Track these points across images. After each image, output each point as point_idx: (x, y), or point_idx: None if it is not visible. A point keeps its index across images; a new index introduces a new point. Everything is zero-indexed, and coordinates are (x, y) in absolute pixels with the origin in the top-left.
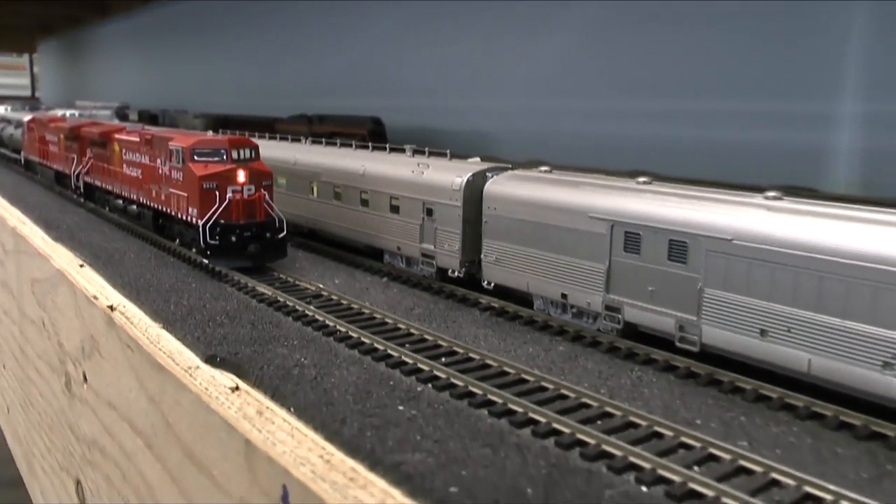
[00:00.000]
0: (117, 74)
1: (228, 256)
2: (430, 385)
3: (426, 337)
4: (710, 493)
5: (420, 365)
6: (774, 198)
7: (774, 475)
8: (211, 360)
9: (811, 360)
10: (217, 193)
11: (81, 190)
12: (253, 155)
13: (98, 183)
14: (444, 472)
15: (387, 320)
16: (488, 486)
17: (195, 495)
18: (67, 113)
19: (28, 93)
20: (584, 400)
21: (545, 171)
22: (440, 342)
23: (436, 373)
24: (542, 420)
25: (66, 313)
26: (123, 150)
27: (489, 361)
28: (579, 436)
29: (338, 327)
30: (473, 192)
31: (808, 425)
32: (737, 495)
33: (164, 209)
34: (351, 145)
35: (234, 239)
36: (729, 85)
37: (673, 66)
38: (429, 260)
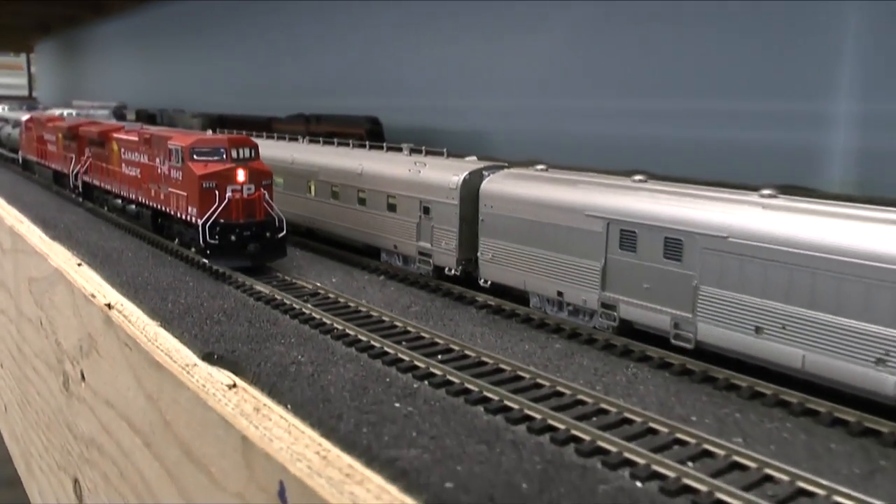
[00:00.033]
0: (115, 74)
1: (228, 256)
2: (426, 382)
3: (423, 335)
4: (703, 488)
5: (416, 362)
6: (769, 196)
7: (768, 471)
8: (208, 358)
9: (805, 357)
10: (217, 193)
11: (80, 189)
12: (253, 154)
13: (96, 182)
14: (439, 468)
15: (384, 318)
16: (484, 481)
17: (193, 492)
18: (65, 112)
19: (25, 92)
20: (580, 397)
21: (541, 170)
22: (437, 340)
23: (432, 370)
24: (538, 416)
25: (64, 312)
26: (122, 150)
27: (485, 359)
28: (574, 432)
29: (335, 325)
30: (470, 191)
31: (802, 421)
32: (730, 490)
33: (164, 208)
34: (348, 144)
35: (233, 238)
36: (725, 85)
37: (669, 65)
38: (426, 258)
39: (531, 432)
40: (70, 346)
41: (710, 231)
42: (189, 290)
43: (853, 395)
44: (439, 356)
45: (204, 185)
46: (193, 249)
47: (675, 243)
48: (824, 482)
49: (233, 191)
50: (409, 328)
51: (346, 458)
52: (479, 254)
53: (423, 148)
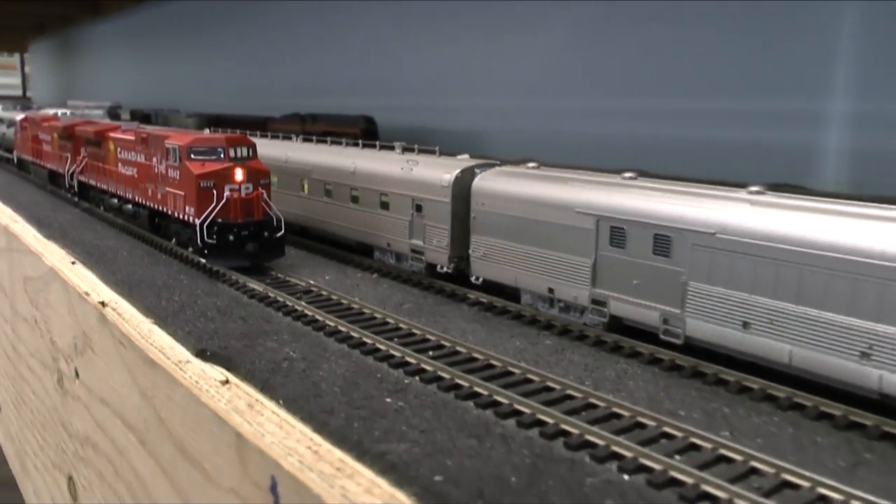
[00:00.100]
0: (109, 74)
1: (226, 256)
2: (417, 378)
3: (414, 331)
4: (689, 480)
5: (408, 358)
6: (757, 192)
7: (754, 463)
8: (202, 355)
9: (792, 352)
10: (214, 192)
11: (76, 189)
12: (251, 153)
13: (93, 182)
14: (429, 462)
15: (376, 315)
16: (473, 474)
17: (187, 489)
18: (59, 112)
19: (19, 92)
20: (569, 392)
21: (532, 168)
22: (428, 336)
23: (423, 366)
24: (527, 411)
25: (59, 310)
26: (119, 149)
27: (476, 355)
28: (563, 426)
29: (327, 322)
30: (462, 189)
31: (789, 415)
32: (716, 483)
33: (161, 208)
34: (342, 143)
35: (231, 238)
36: (721, 84)
37: (664, 65)
38: (418, 256)
39: (521, 427)
40: (65, 345)
41: (699, 227)
42: (183, 288)
43: (839, 390)
44: (431, 352)
45: (202, 184)
46: (191, 249)
47: (664, 240)
48: (809, 474)
49: (231, 190)
50: (402, 325)
51: (338, 453)
52: (470, 251)
53: (416, 146)
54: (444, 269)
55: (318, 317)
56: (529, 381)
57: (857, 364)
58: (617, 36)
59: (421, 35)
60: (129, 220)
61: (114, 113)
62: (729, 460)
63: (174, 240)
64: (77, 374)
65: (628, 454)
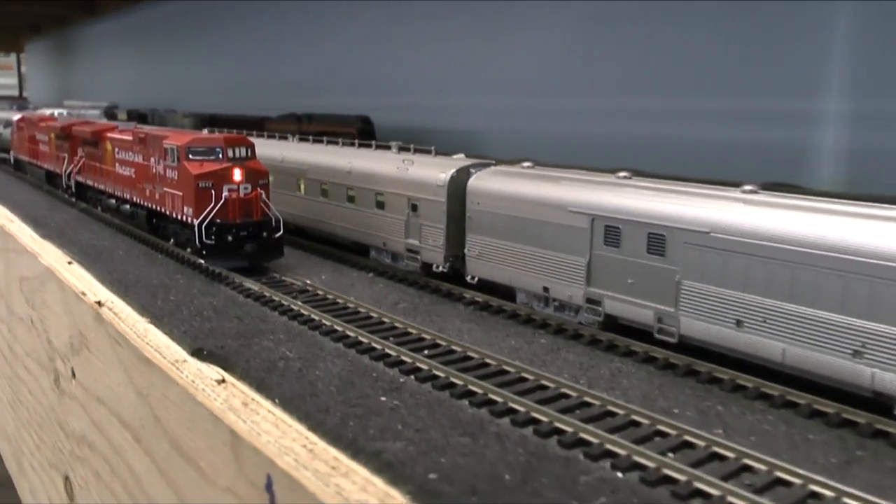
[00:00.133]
0: (106, 74)
1: (224, 256)
2: (412, 377)
3: (410, 330)
4: (683, 477)
5: (403, 357)
6: (750, 191)
7: (746, 461)
8: (198, 354)
9: (785, 350)
10: (213, 192)
11: (73, 189)
12: (249, 153)
13: (90, 182)
14: (424, 460)
15: (371, 314)
16: (467, 472)
17: (183, 487)
18: (56, 112)
19: (16, 92)
20: (564, 390)
21: (527, 167)
22: (424, 335)
23: (418, 365)
24: (522, 409)
25: (55, 310)
26: (116, 149)
27: (471, 354)
28: (557, 424)
29: (323, 321)
30: (457, 188)
31: (782, 413)
32: (709, 480)
33: (159, 209)
34: (337, 143)
35: (230, 238)
36: (717, 84)
37: (661, 65)
38: (414, 255)
39: (515, 425)
40: (61, 344)
41: (693, 226)
42: (179, 288)
43: (832, 388)
44: (426, 351)
45: (200, 184)
46: (189, 250)
47: (658, 239)
48: (801, 471)
49: (229, 190)
50: (397, 324)
51: (333, 451)
52: (466, 250)
53: (412, 146)
54: (440, 268)
55: (314, 316)
56: (524, 379)
57: (849, 362)
58: (613, 36)
59: (417, 35)
60: (126, 221)
61: (110, 113)
62: (722, 458)
63: (172, 240)
64: (73, 374)
65: (622, 452)
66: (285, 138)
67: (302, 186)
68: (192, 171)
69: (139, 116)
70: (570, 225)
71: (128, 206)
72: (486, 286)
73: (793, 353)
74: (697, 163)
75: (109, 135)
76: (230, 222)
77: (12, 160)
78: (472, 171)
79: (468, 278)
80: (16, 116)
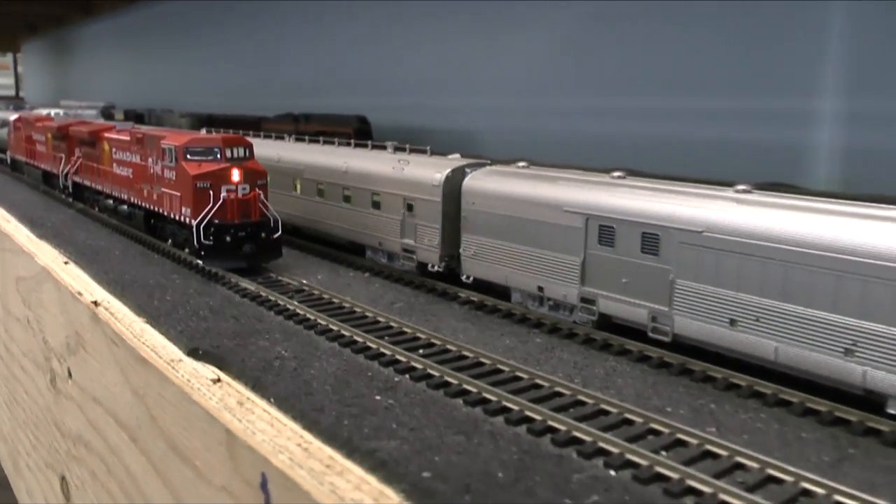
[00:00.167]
0: (102, 74)
1: (223, 257)
2: (407, 376)
3: (405, 330)
4: (675, 475)
5: (398, 356)
6: (744, 191)
7: (739, 459)
8: (194, 353)
9: (778, 348)
10: (211, 193)
11: (70, 190)
12: (247, 154)
13: (87, 183)
14: (418, 458)
15: (367, 314)
16: (461, 470)
17: (179, 487)
18: (52, 112)
19: (12, 92)
20: (558, 389)
21: (522, 167)
22: (419, 335)
23: (413, 364)
24: (515, 408)
25: (51, 310)
26: (113, 150)
27: (466, 353)
28: (551, 423)
29: (319, 321)
30: (453, 188)
31: (775, 412)
32: (701, 478)
33: (157, 209)
34: (334, 143)
35: (228, 239)
36: (713, 83)
37: (656, 65)
38: (409, 255)
39: (509, 423)
40: (57, 344)
41: (686, 226)
42: (176, 288)
43: (825, 386)
44: (421, 351)
45: (198, 185)
46: (187, 250)
47: (652, 238)
48: (793, 469)
49: (227, 191)
50: (392, 323)
51: (327, 450)
52: (461, 250)
53: (407, 146)
54: (436, 267)
55: (309, 316)
56: (518, 378)
57: (841, 360)
58: (609, 36)
59: (415, 35)
60: (123, 221)
61: (107, 113)
62: (715, 456)
63: (170, 241)
64: (70, 374)
65: (615, 450)
66: (282, 138)
67: (298, 186)
68: (190, 171)
69: (136, 116)
70: (565, 224)
71: (125, 207)
72: (481, 286)
73: (785, 352)
74: (695, 162)
75: (107, 135)
76: (228, 223)
77: (9, 160)
78: (468, 170)
79: (463, 278)
80: (12, 116)
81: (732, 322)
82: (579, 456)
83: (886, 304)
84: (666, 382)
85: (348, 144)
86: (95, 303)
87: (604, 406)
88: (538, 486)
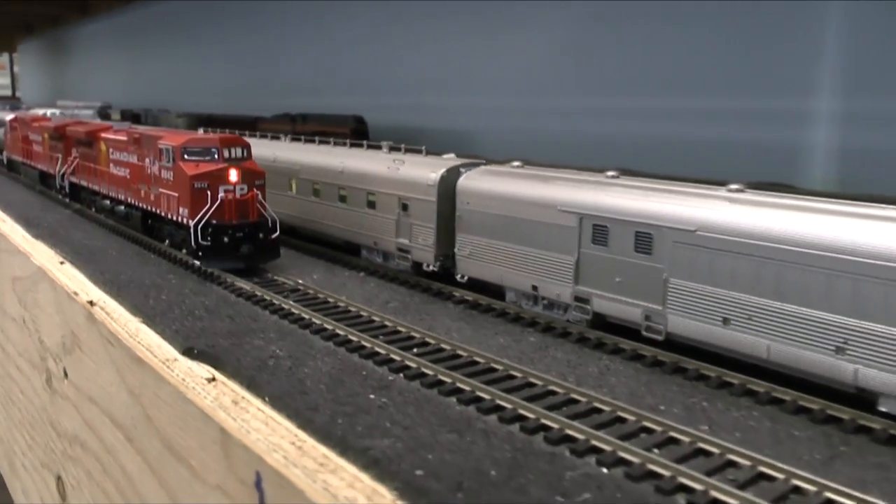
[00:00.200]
0: (99, 74)
1: (220, 258)
2: (401, 374)
3: (400, 329)
4: (667, 473)
5: (392, 355)
6: (737, 190)
7: (731, 456)
8: (189, 353)
9: (770, 347)
10: (209, 193)
11: (67, 190)
12: (245, 154)
13: (84, 183)
14: (411, 456)
15: (362, 313)
16: (453, 468)
17: (174, 486)
18: (49, 112)
19: (8, 92)
20: (551, 387)
21: (517, 167)
22: (413, 334)
23: (407, 363)
24: (509, 406)
25: (47, 310)
26: (111, 150)
27: (460, 352)
28: (544, 421)
29: (314, 320)
30: (447, 188)
31: (767, 410)
32: (693, 475)
33: (154, 210)
34: (329, 142)
35: (226, 240)
36: (709, 83)
37: (653, 65)
38: (404, 254)
39: (502, 422)
40: (53, 344)
41: (679, 225)
42: (171, 288)
43: (817, 384)
44: (415, 349)
45: (196, 185)
46: (185, 251)
47: (645, 237)
48: (784, 467)
49: (225, 191)
50: (387, 323)
51: (321, 448)
52: (456, 249)
53: (402, 146)
54: (430, 267)
55: (304, 315)
56: (512, 377)
57: (833, 358)
58: (606, 36)
59: (412, 35)
60: (120, 222)
61: (104, 113)
62: (707, 453)
63: (167, 241)
64: (65, 374)
65: (607, 448)
66: (278, 138)
67: (294, 186)
68: (188, 171)
69: (133, 116)
70: (559, 224)
71: (122, 208)
72: (475, 285)
73: (778, 350)
74: (693, 162)
75: (104, 135)
76: (226, 223)
77: (5, 160)
78: (463, 170)
79: (458, 277)
80: (9, 116)
81: (725, 321)
82: (572, 454)
83: (877, 302)
84: (659, 381)
85: (344, 144)
86: (91, 303)
87: (597, 404)
88: (530, 483)
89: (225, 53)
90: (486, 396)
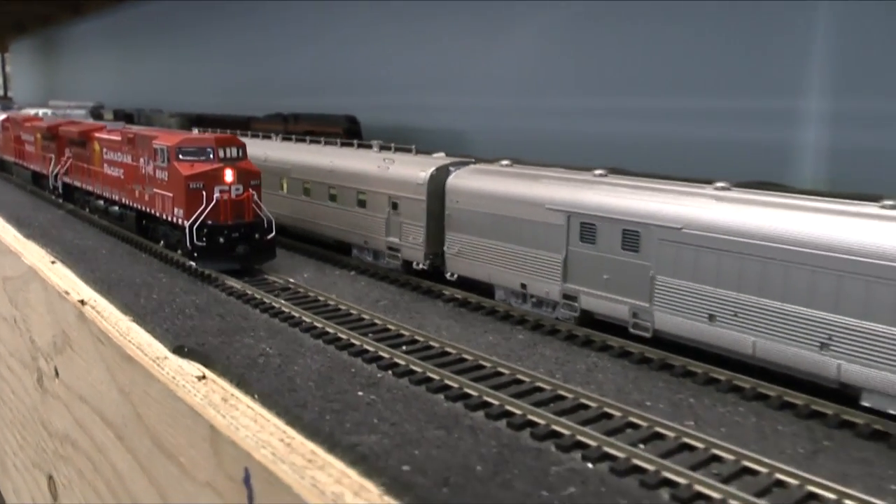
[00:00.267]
0: (92, 74)
1: (216, 259)
2: (390, 372)
3: (389, 327)
4: (651, 468)
5: (381, 353)
6: (723, 188)
7: (715, 451)
8: (179, 351)
9: (755, 343)
10: (204, 193)
11: (60, 191)
12: (240, 154)
13: (77, 183)
14: (398, 452)
15: (352, 311)
16: (440, 464)
17: (164, 483)
18: (41, 112)
19: (0, 92)
20: (539, 384)
21: (506, 165)
22: (402, 332)
23: (396, 360)
24: (496, 403)
25: (38, 309)
26: (104, 150)
27: (449, 349)
28: (531, 417)
29: (304, 318)
30: (437, 186)
31: (753, 405)
32: (677, 470)
33: (148, 210)
34: (320, 142)
35: (221, 240)
36: (700, 83)
37: (645, 65)
38: (394, 253)
39: (489, 418)
40: (44, 343)
41: (666, 223)
42: (162, 286)
43: (802, 380)
44: (404, 347)
45: (191, 185)
46: (180, 252)
47: (632, 235)
48: (768, 461)
49: (221, 191)
50: (377, 321)
51: (310, 445)
52: (445, 248)
53: (392, 145)
54: (420, 265)
55: (294, 313)
56: (500, 374)
57: (817, 354)
58: (597, 36)
59: (404, 34)
60: (114, 222)
61: (96, 113)
62: (691, 448)
63: (162, 242)
64: (56, 373)
65: (593, 443)
66: (269, 137)
67: (285, 185)
68: (183, 171)
69: (125, 116)
70: (547, 222)
71: (116, 208)
72: (465, 283)
73: (763, 347)
74: (681, 161)
75: (97, 135)
76: (222, 224)
77: None
78: (452, 169)
79: (448, 275)
80: (0, 116)
81: (711, 317)
82: (558, 449)
83: (860, 298)
84: (646, 377)
85: (334, 143)
86: (82, 301)
87: (583, 400)
88: (516, 478)
89: (218, 53)
90: (474, 393)
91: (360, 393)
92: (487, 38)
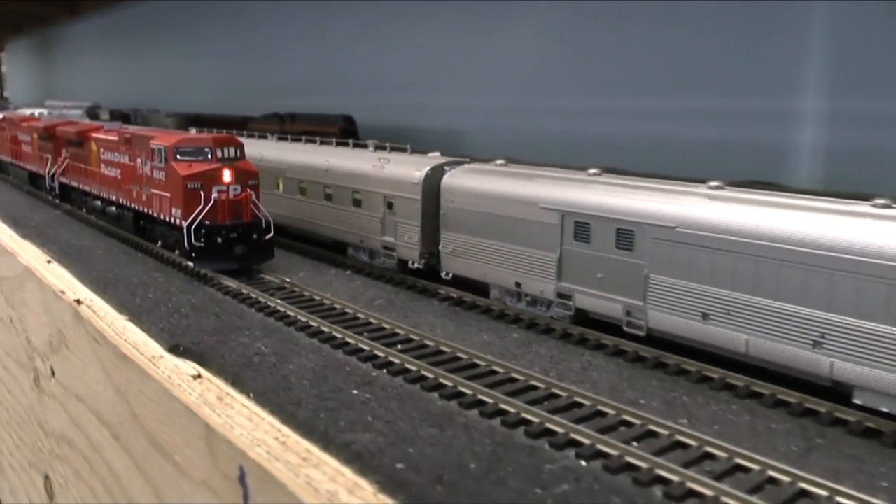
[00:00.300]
0: (88, 74)
1: (214, 259)
2: (384, 370)
3: (384, 326)
4: (644, 465)
5: (376, 352)
6: (716, 187)
7: (708, 449)
8: (174, 350)
9: (749, 341)
10: (202, 193)
11: (56, 191)
12: (238, 154)
13: (74, 184)
14: (392, 450)
15: (347, 311)
16: (434, 462)
17: (160, 482)
18: (37, 112)
19: None
20: (533, 382)
21: (500, 165)
22: (397, 331)
23: (391, 359)
24: (490, 401)
25: (34, 309)
26: (101, 150)
27: (443, 348)
28: (525, 415)
29: (299, 318)
30: (432, 186)
31: (746, 403)
32: (670, 467)
33: (146, 210)
34: (315, 141)
35: (219, 241)
36: (697, 83)
37: (641, 65)
38: (390, 252)
39: (483, 416)
40: (40, 343)
41: (660, 221)
42: (158, 286)
43: (795, 378)
44: (399, 346)
45: (188, 185)
46: (178, 252)
47: (626, 234)
48: (760, 458)
49: (219, 191)
50: (372, 320)
51: (304, 443)
52: (440, 247)
53: (388, 144)
54: (415, 265)
55: (290, 312)
56: (494, 372)
57: (810, 352)
58: (594, 36)
59: (401, 34)
60: (111, 223)
61: (93, 113)
62: (685, 446)
63: (160, 242)
64: (53, 373)
65: (586, 441)
66: (265, 137)
67: (281, 185)
68: (181, 171)
69: (122, 116)
70: (541, 221)
71: (114, 208)
72: (460, 282)
73: (756, 345)
74: (677, 161)
75: (94, 135)
76: (219, 224)
77: None
78: (446, 168)
79: (443, 275)
80: None
81: (705, 316)
82: (551, 447)
83: (852, 296)
84: (640, 376)
85: (330, 143)
86: (78, 301)
87: (578, 399)
88: (510, 476)
89: (214, 53)
90: (468, 391)
91: (354, 391)
92: (485, 38)
